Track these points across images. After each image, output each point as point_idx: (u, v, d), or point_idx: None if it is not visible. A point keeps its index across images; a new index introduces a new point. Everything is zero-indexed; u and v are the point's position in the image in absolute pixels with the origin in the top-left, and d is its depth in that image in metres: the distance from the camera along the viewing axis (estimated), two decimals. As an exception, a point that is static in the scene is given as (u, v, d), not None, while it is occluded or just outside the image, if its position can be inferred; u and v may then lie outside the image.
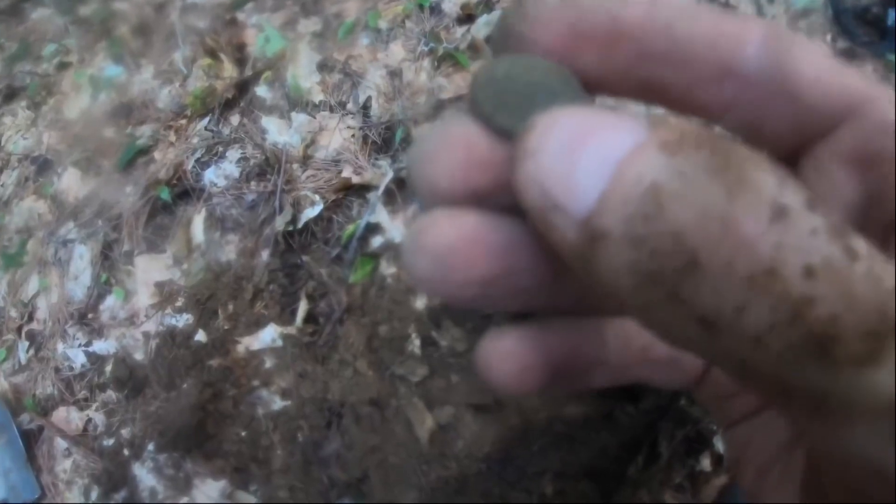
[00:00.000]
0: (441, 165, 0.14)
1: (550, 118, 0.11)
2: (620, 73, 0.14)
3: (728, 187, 0.10)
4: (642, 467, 0.83)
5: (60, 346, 1.15)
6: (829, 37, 1.04)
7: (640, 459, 0.84)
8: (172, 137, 1.18)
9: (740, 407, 0.18)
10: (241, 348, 1.00)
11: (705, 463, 0.83)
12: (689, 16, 0.13)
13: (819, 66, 0.13)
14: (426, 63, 1.09)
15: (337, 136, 1.06)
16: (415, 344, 0.92)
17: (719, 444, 0.83)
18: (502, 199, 0.13)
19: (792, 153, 0.14)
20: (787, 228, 0.09)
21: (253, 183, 1.07)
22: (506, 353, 0.15)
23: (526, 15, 0.14)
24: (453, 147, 0.14)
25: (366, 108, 1.07)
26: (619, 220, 0.10)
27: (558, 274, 0.14)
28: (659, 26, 0.13)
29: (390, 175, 0.99)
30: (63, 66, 1.42)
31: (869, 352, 0.09)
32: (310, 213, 1.02)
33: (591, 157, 0.11)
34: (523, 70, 0.15)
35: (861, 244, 0.10)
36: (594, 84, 0.14)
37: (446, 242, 0.13)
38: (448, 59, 1.08)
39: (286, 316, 0.99)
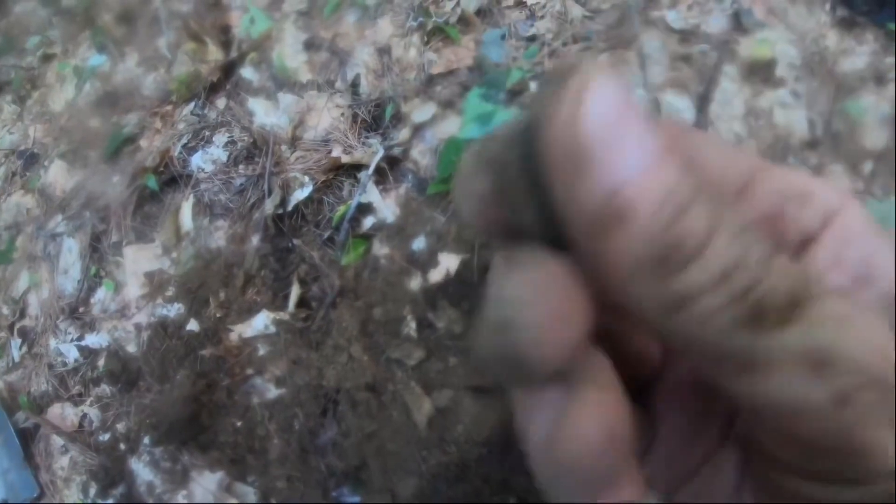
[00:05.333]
0: (544, 331, 0.12)
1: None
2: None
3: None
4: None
5: (53, 342, 1.13)
6: (827, 6, 1.00)
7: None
8: (158, 124, 1.15)
9: (684, 467, 0.17)
10: (233, 336, 0.98)
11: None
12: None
13: None
14: (415, 38, 1.05)
15: (325, 115, 1.03)
16: (410, 326, 0.89)
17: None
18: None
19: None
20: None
21: (241, 167, 1.05)
22: None
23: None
24: (549, 299, 0.12)
25: (354, 85, 1.04)
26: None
27: None
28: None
29: (381, 153, 0.96)
30: (47, 58, 1.40)
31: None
32: (299, 195, 0.99)
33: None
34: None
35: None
36: None
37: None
38: (438, 34, 1.04)
39: (279, 301, 0.97)
